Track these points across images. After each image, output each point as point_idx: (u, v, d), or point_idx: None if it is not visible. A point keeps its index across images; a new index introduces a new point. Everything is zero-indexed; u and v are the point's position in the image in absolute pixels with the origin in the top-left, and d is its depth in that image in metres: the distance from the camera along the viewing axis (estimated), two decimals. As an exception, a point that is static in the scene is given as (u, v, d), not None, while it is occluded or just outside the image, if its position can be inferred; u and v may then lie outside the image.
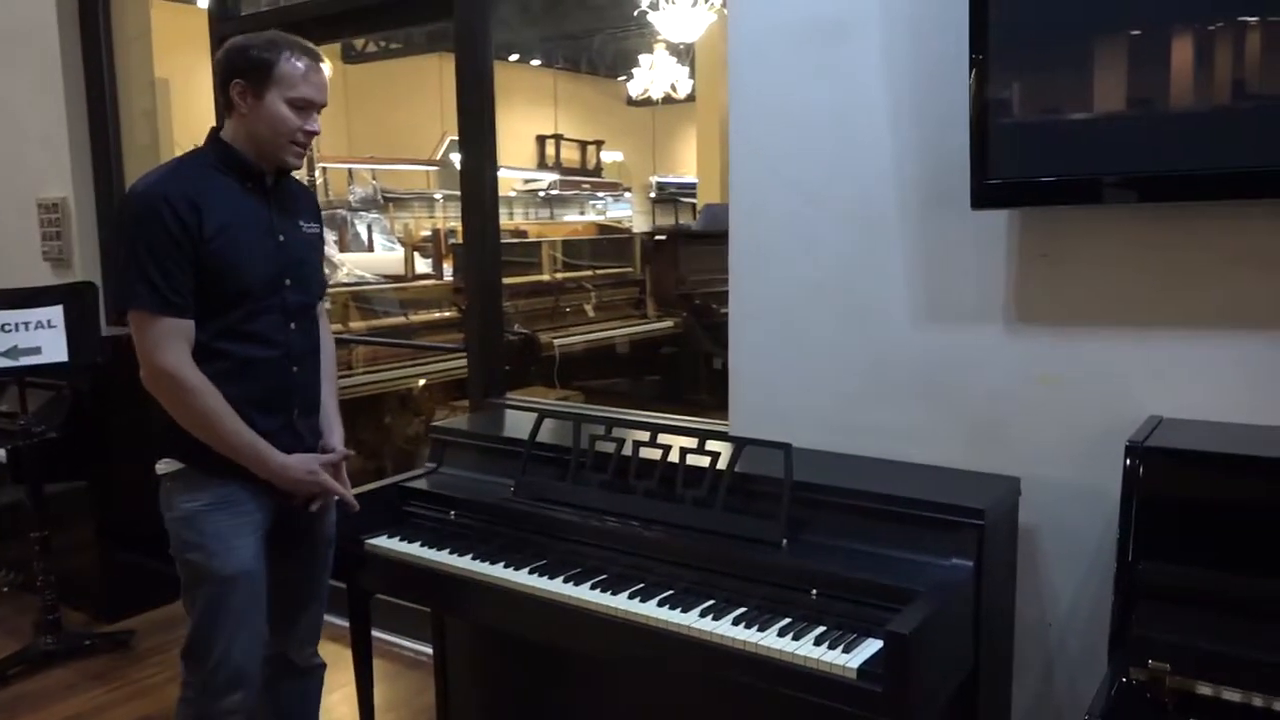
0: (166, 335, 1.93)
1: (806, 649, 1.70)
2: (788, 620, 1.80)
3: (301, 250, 2.14)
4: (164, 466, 2.05)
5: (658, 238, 6.51)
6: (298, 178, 2.23)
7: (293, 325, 2.09)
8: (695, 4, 7.07)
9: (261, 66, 1.98)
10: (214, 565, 2.02)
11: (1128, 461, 1.65)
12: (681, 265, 6.23)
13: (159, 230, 1.91)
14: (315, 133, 2.05)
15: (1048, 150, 1.85)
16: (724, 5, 2.33)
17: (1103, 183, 1.82)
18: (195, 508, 2.02)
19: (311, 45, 2.05)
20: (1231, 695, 1.47)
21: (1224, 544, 1.59)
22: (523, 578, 2.05)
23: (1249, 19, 1.65)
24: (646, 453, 2.16)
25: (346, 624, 2.44)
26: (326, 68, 2.06)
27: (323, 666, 2.33)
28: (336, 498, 2.18)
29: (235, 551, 2.02)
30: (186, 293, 1.94)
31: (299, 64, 2.00)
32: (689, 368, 5.97)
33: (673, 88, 10.97)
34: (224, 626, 2.04)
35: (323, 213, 2.33)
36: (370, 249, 8.74)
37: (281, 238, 2.08)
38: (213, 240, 1.94)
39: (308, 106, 2.02)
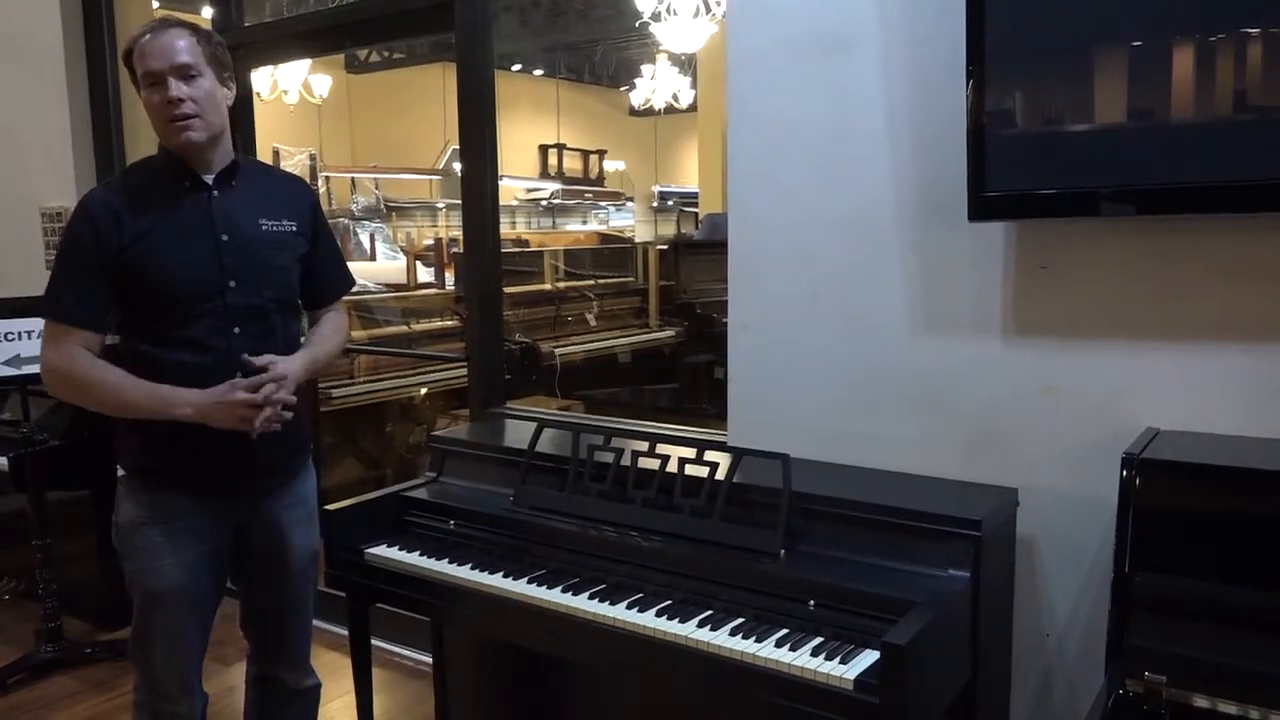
0: (57, 338, 1.95)
1: (804, 659, 1.70)
2: (785, 631, 1.80)
3: (256, 249, 2.03)
4: (119, 471, 2.06)
5: (660, 247, 6.54)
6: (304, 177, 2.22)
7: (237, 330, 1.99)
8: (696, 15, 7.09)
9: (127, 64, 1.96)
10: (142, 580, 2.02)
11: (1124, 473, 1.64)
12: (683, 274, 6.24)
13: (72, 241, 1.96)
14: (178, 99, 1.90)
15: (1045, 162, 1.84)
16: (724, 17, 2.34)
17: (1100, 195, 1.80)
18: (131, 519, 2.02)
19: (171, 15, 1.95)
20: (1228, 708, 1.47)
21: (1221, 556, 1.59)
22: (521, 587, 2.06)
23: (1251, 30, 1.63)
24: (645, 463, 2.16)
25: (345, 633, 2.44)
26: (179, 33, 1.92)
27: (317, 686, 2.32)
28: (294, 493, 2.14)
29: (166, 568, 2.00)
30: (90, 302, 1.94)
31: (140, 41, 1.92)
32: (690, 377, 5.98)
33: (674, 97, 11.01)
34: (156, 639, 2.04)
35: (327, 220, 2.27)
36: (373, 258, 8.77)
37: (225, 237, 1.99)
38: (131, 247, 1.92)
39: (157, 80, 1.91)
